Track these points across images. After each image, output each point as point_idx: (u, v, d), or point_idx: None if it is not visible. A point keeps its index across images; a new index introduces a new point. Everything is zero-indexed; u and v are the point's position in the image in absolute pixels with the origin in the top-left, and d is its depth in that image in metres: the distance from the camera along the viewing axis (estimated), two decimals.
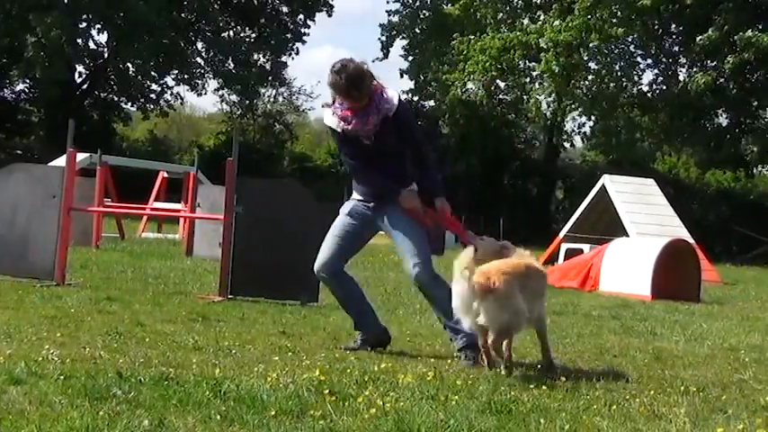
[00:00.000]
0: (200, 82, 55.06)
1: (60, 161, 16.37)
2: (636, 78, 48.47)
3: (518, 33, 45.59)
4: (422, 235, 7.41)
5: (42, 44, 45.76)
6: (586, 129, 51.55)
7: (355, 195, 7.58)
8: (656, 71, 48.67)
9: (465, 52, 46.78)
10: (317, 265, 7.41)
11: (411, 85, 55.56)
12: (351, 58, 7.30)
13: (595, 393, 5.99)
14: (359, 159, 7.44)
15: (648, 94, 48.33)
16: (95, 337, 6.95)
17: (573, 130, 53.08)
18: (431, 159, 7.59)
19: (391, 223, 7.38)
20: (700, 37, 40.91)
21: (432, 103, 55.13)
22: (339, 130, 7.31)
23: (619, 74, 47.06)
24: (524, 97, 49.04)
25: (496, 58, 45.75)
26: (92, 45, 53.06)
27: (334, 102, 7.36)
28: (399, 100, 7.38)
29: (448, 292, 6.87)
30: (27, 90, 55.43)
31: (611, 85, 46.74)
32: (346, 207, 7.55)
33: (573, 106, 48.16)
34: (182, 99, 57.15)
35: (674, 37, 47.56)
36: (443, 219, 7.54)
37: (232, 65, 54.79)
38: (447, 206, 7.46)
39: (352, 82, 7.12)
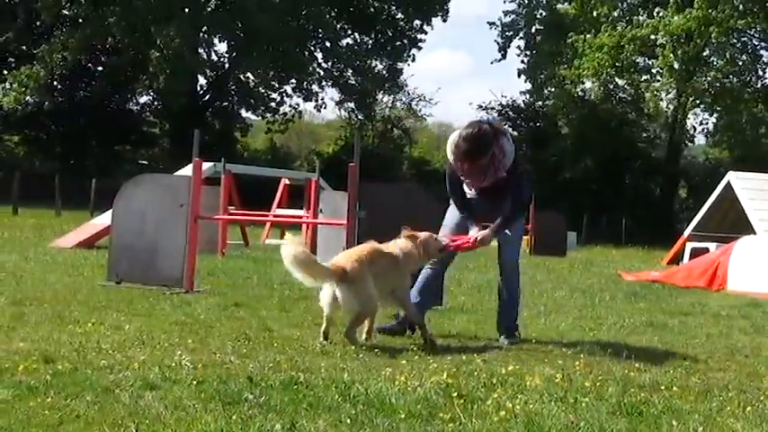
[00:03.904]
0: (318, 91, 55.58)
1: (186, 171, 16.67)
2: (760, 72, 47.37)
3: (633, 29, 44.85)
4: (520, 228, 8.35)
5: (164, 56, 46.76)
6: (709, 125, 50.62)
7: (465, 188, 8.20)
8: None
9: (580, 50, 46.26)
10: None
11: (528, 86, 55.26)
12: (480, 122, 7.82)
13: (728, 395, 5.87)
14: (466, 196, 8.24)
15: None
16: (225, 342, 7.05)
17: (694, 127, 52.18)
18: (510, 213, 8.00)
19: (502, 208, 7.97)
20: None
21: (549, 103, 54.66)
22: (456, 172, 8.02)
23: (742, 68, 45.99)
24: (644, 94, 48.25)
25: (612, 55, 45.10)
26: (213, 56, 54.11)
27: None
28: (511, 166, 7.83)
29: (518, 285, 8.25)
30: (151, 102, 56.79)
31: (735, 79, 45.72)
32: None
33: (694, 102, 47.25)
34: (300, 114, 57.77)
35: None
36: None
37: (350, 72, 55.15)
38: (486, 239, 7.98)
39: (472, 150, 7.66)
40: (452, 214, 8.33)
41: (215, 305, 9.49)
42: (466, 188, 8.18)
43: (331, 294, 7.25)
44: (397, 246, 7.74)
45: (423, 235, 7.84)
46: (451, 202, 8.31)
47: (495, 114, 57.87)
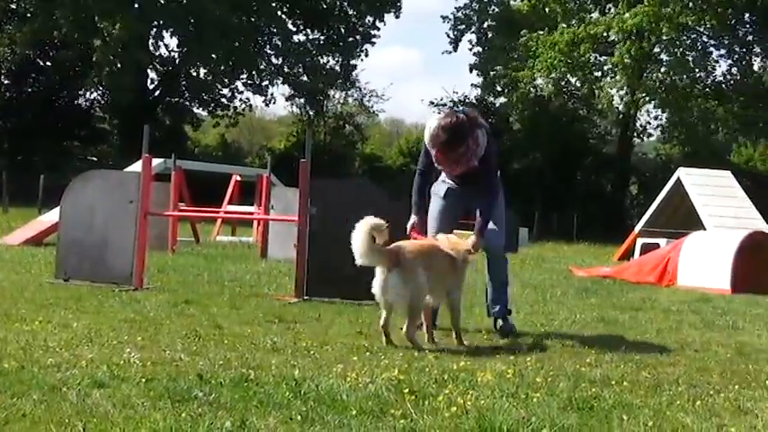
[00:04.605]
0: (269, 87, 55.39)
1: (135, 167, 16.55)
2: (709, 69, 47.79)
3: (587, 26, 45.16)
4: (501, 214, 8.48)
5: (111, 47, 46.30)
6: (661, 121, 50.98)
7: (444, 178, 8.53)
8: (729, 61, 48.03)
9: (534, 48, 46.46)
10: None
11: (479, 80, 55.28)
12: (457, 112, 8.06)
13: (678, 389, 5.92)
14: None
15: (723, 85, 47.66)
16: (175, 339, 7.01)
17: (647, 123, 52.52)
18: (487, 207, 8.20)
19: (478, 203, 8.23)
20: None
21: (501, 99, 54.79)
22: (433, 160, 8.16)
23: (691, 65, 46.40)
24: (596, 91, 48.54)
25: (566, 53, 45.37)
26: (163, 51, 53.78)
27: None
28: (485, 151, 8.02)
29: (506, 269, 8.66)
30: (100, 98, 56.28)
31: (685, 76, 46.11)
32: (440, 190, 8.57)
33: (646, 99, 47.60)
34: (251, 107, 57.60)
35: (747, 26, 46.88)
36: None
37: (301, 69, 55.03)
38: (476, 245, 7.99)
39: (450, 139, 7.83)
40: (435, 206, 8.56)
41: (165, 302, 9.44)
42: (444, 176, 8.50)
43: (383, 281, 7.28)
44: (455, 249, 7.74)
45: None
46: (432, 193, 8.60)
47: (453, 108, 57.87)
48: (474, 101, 56.00)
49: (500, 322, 8.48)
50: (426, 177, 8.42)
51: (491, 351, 7.22)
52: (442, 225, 8.36)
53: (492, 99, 55.92)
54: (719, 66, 48.50)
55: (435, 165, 8.22)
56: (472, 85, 57.78)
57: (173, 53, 54.20)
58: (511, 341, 7.83)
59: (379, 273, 7.30)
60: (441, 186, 8.58)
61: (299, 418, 4.73)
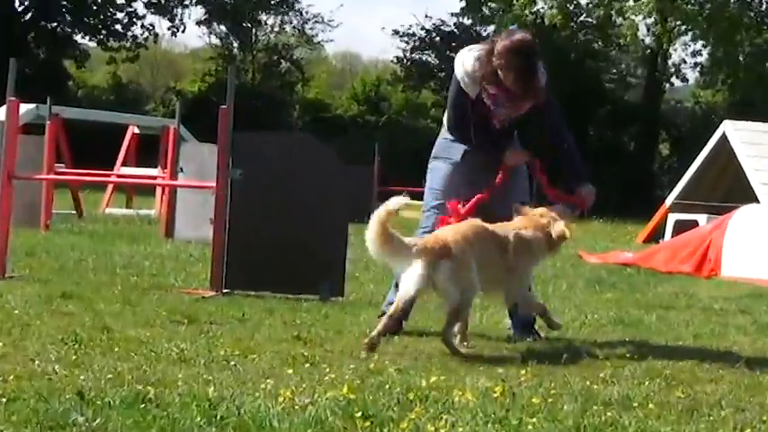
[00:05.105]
0: (178, 9, 55.10)
1: None
2: None
3: None
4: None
5: None
6: (700, 59, 51.09)
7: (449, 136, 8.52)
8: None
9: None
10: None
11: (460, 3, 55.30)
12: (519, 30, 8.29)
13: (721, 413, 5.92)
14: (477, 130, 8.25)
15: None
16: (48, 346, 6.97)
17: (682, 62, 52.64)
18: (572, 149, 8.66)
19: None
20: None
21: (490, 28, 54.83)
22: (487, 103, 8.11)
23: None
24: (615, 19, 48.57)
25: None
26: None
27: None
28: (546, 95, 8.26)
29: None
30: None
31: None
32: (453, 153, 8.48)
33: (681, 29, 47.71)
34: (155, 36, 57.30)
35: None
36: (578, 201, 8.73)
37: None
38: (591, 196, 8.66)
39: (526, 66, 7.95)
40: (445, 175, 8.47)
41: (34, 296, 9.41)
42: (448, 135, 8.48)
43: (423, 277, 7.24)
44: (513, 228, 7.85)
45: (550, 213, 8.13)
46: (436, 165, 8.55)
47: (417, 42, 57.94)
48: (454, 29, 56.00)
49: (525, 337, 8.39)
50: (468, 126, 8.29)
51: (473, 362, 7.21)
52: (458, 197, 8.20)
53: (478, 27, 55.95)
54: None
55: (491, 107, 8.13)
56: (452, 14, 57.63)
57: None
58: (499, 348, 7.84)
59: (415, 267, 7.28)
60: (452, 148, 8.48)
61: None
